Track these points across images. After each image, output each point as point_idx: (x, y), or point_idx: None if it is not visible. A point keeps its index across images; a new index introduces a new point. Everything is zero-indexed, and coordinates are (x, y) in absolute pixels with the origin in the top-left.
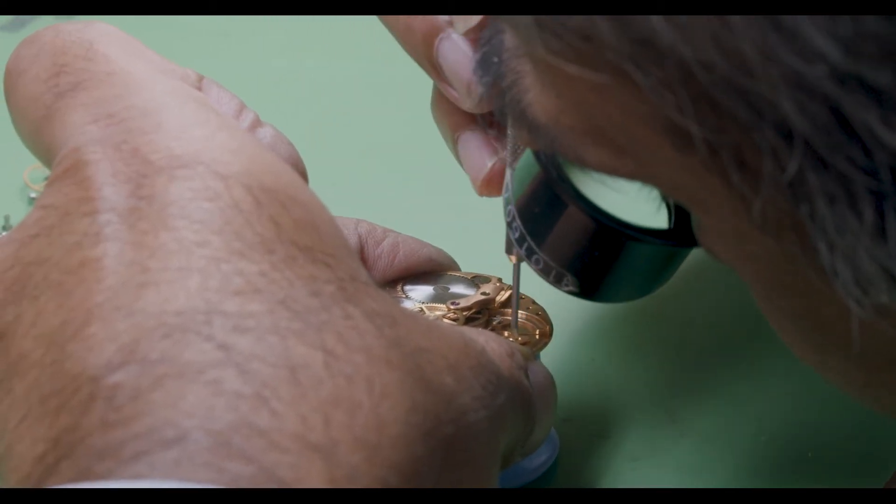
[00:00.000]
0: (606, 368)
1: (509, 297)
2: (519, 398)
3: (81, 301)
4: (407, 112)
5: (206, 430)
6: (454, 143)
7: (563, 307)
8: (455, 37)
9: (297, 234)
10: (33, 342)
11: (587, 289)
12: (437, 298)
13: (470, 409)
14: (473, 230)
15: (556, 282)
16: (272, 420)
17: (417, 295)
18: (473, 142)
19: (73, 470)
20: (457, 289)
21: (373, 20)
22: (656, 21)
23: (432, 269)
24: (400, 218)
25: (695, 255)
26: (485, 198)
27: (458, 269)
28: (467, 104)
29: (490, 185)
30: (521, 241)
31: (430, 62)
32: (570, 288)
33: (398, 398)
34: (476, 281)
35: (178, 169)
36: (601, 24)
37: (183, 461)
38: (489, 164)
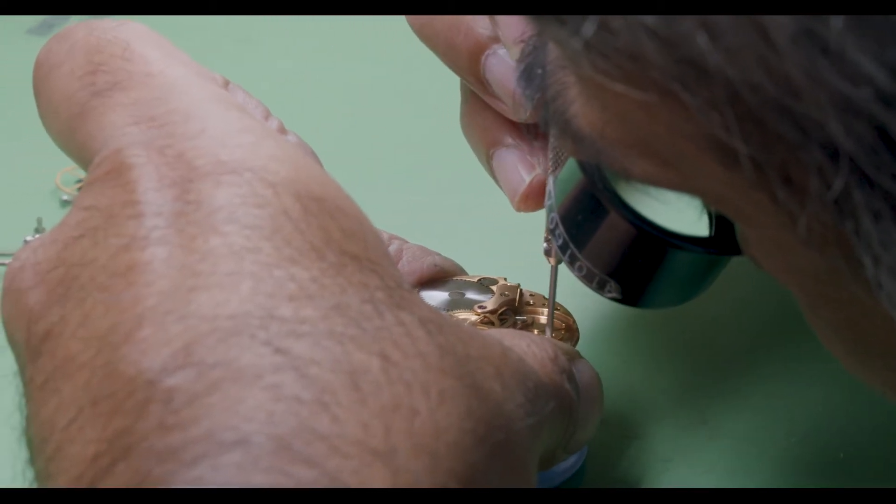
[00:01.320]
0: (637, 369)
1: (526, 296)
2: (559, 403)
3: (132, 304)
4: (428, 117)
5: (267, 435)
6: (488, 160)
7: (593, 309)
8: (501, 52)
9: (346, 242)
10: (82, 344)
11: (630, 295)
12: (454, 305)
13: (515, 416)
14: (485, 233)
15: (600, 288)
16: (333, 426)
17: (433, 302)
18: (510, 158)
19: (130, 472)
20: (470, 293)
21: (393, 22)
22: (703, 42)
23: (438, 276)
24: (421, 223)
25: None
26: (483, 200)
27: (465, 274)
28: (517, 116)
29: (528, 200)
30: (564, 248)
31: (477, 79)
32: (614, 294)
33: (454, 405)
34: (485, 283)
35: (224, 175)
36: (648, 45)
37: (246, 465)
38: (527, 180)
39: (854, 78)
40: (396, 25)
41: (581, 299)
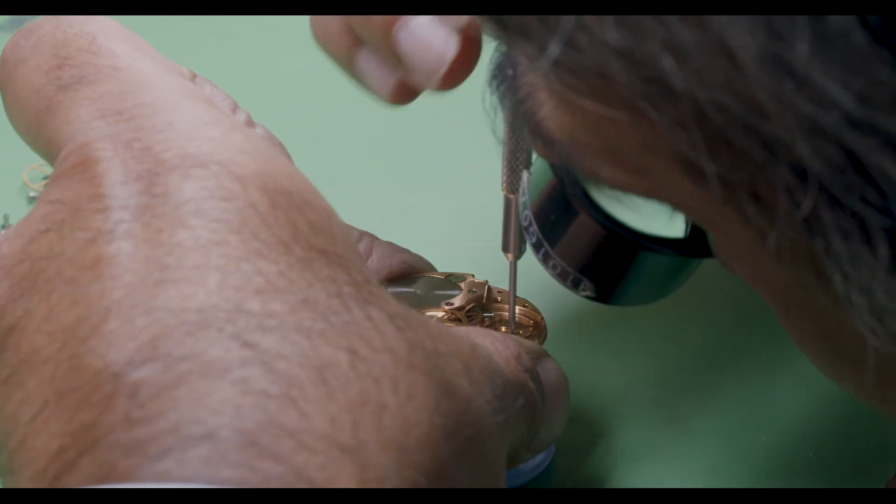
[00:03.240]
0: (606, 367)
1: (494, 293)
2: (523, 401)
3: (98, 297)
4: (399, 114)
5: (234, 429)
6: (350, 64)
7: (562, 306)
8: (413, 24)
9: (313, 236)
10: (47, 337)
11: (603, 294)
12: (422, 301)
13: (484, 412)
14: (454, 230)
15: (574, 286)
16: (301, 420)
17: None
18: (373, 58)
19: (95, 465)
20: (438, 290)
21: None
22: (668, 62)
23: (407, 273)
24: (391, 219)
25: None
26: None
27: (434, 271)
28: (429, 85)
29: (399, 94)
30: (538, 246)
31: (390, 51)
32: (588, 293)
33: (423, 400)
34: (453, 280)
35: (191, 168)
36: (614, 64)
37: (213, 459)
38: (392, 80)
39: (821, 102)
40: None
41: (549, 296)
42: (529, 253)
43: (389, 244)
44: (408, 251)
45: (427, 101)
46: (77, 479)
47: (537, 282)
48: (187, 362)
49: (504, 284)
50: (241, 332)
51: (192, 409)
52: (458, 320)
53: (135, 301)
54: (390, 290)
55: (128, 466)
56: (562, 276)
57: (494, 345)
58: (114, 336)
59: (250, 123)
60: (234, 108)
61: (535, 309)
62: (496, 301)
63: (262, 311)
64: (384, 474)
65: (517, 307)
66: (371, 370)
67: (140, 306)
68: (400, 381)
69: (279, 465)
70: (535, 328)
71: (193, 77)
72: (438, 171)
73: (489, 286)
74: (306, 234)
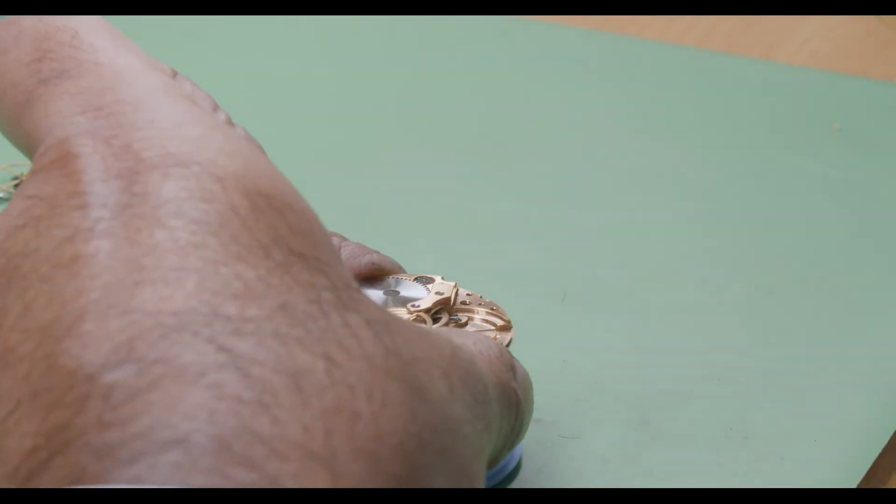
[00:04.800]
0: (577, 369)
1: (462, 295)
2: (507, 401)
3: (74, 297)
4: (372, 114)
5: (207, 434)
6: None
7: (534, 307)
8: None
9: (293, 240)
10: (22, 335)
11: None
12: (388, 302)
13: (464, 419)
14: (423, 231)
15: None
16: (274, 427)
17: None
18: None
19: (67, 467)
20: (406, 291)
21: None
22: None
23: (375, 274)
24: (360, 220)
25: (673, 251)
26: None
27: (403, 272)
28: None
29: None
30: None
31: None
32: None
33: (398, 409)
34: (421, 281)
35: (172, 167)
36: None
37: (184, 464)
38: None
39: None
40: (341, 23)
41: (514, 298)
42: (495, 254)
43: (358, 245)
44: (377, 252)
45: (397, 102)
46: (48, 481)
47: (502, 282)
48: (162, 365)
49: (473, 287)
50: (216, 335)
51: (164, 413)
52: (423, 322)
53: (112, 302)
54: None
55: (99, 470)
56: None
57: (476, 346)
58: (89, 337)
59: (230, 124)
60: (214, 107)
61: (501, 311)
62: (464, 303)
63: (238, 316)
64: (357, 483)
65: (484, 309)
66: (346, 378)
67: (117, 307)
68: (375, 389)
69: (251, 472)
70: (503, 329)
71: (175, 74)
72: (409, 173)
73: (457, 288)
74: (286, 237)
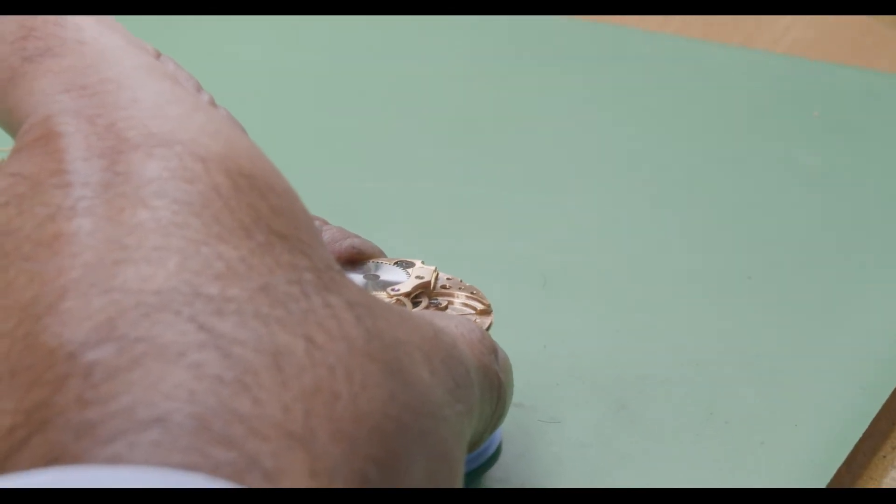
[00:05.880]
0: (557, 354)
1: (443, 280)
2: (488, 384)
3: (56, 275)
4: (354, 99)
5: (187, 413)
6: None
7: (514, 293)
8: None
9: (275, 221)
10: (2, 313)
11: None
12: (368, 286)
13: (444, 402)
14: (404, 215)
15: None
16: (253, 407)
17: None
18: None
19: (46, 446)
20: (386, 275)
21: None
22: None
23: (356, 258)
24: (341, 204)
25: (653, 237)
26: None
27: (384, 256)
28: None
29: None
30: None
31: None
32: None
33: (377, 391)
34: (401, 265)
35: (155, 147)
36: None
37: (164, 443)
38: None
39: None
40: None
41: (494, 283)
42: (476, 239)
43: (339, 229)
44: (357, 236)
45: (376, 89)
46: (27, 459)
47: (481, 267)
48: (143, 344)
49: (453, 271)
50: (197, 315)
51: (145, 392)
52: (403, 306)
53: (93, 280)
54: None
55: (78, 449)
56: None
57: (458, 328)
58: (70, 315)
59: (213, 105)
60: (198, 88)
61: (481, 295)
62: (444, 288)
63: (220, 296)
64: (334, 464)
65: (464, 293)
66: (326, 359)
67: (98, 286)
68: (355, 371)
69: (231, 452)
70: (483, 314)
71: (158, 55)
72: (390, 157)
73: (437, 273)
74: (268, 218)
